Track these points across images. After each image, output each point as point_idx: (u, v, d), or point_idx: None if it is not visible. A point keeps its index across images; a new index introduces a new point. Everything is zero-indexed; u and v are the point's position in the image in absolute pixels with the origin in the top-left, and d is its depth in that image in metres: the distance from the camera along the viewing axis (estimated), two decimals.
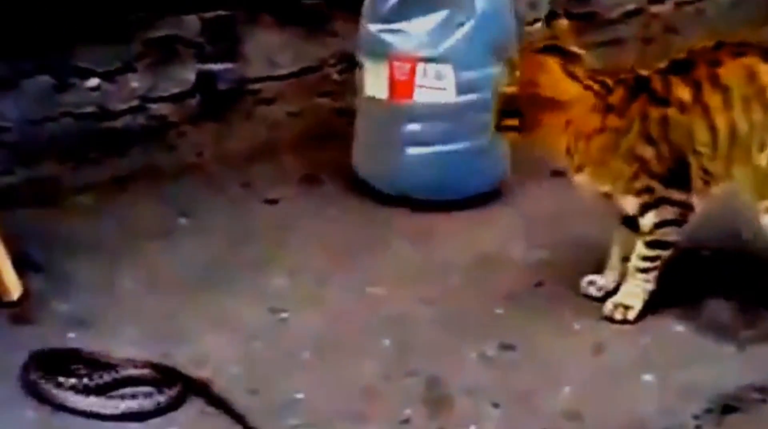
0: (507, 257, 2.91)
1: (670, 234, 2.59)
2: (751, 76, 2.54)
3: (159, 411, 2.36)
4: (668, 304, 2.66)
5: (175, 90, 3.26)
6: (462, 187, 3.13)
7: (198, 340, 2.59)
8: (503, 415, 2.37)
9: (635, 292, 2.62)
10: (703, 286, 2.72)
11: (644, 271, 2.61)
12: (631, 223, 2.65)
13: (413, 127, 3.09)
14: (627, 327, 2.62)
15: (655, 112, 2.56)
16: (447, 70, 3.04)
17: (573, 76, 2.58)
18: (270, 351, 2.56)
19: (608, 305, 2.63)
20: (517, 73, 2.56)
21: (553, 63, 2.57)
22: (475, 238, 3.01)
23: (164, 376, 2.44)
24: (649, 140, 2.56)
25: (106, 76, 3.16)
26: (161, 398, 2.37)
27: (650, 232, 2.59)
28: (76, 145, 3.16)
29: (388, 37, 3.07)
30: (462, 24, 3.05)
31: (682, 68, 2.58)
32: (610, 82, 2.60)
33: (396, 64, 3.05)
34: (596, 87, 2.59)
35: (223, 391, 2.40)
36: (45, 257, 2.84)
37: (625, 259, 2.67)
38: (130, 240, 2.95)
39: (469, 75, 3.05)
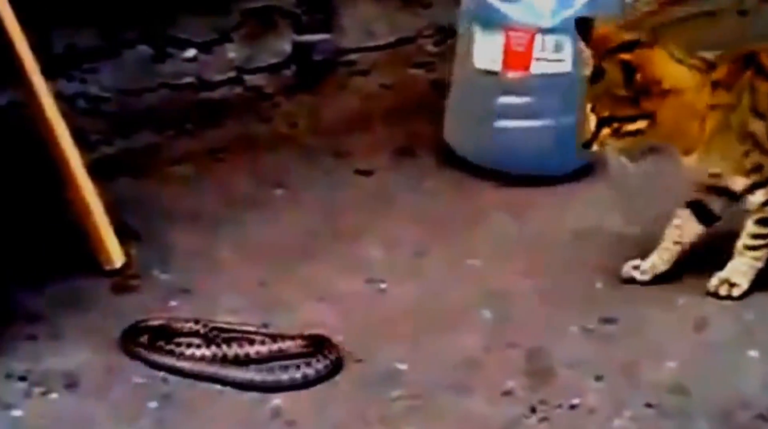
0: (604, 232, 2.89)
1: None
2: None
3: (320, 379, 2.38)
4: None
5: (271, 61, 3.27)
6: (561, 162, 3.10)
7: (297, 310, 2.60)
8: (606, 387, 2.36)
9: (743, 270, 2.58)
10: None
11: (753, 248, 2.57)
12: (697, 208, 2.62)
13: (524, 99, 3.05)
14: (730, 303, 2.59)
15: (763, 86, 2.51)
16: (566, 41, 2.99)
17: (678, 59, 2.51)
18: (369, 321, 2.57)
19: (714, 280, 2.60)
20: (644, 72, 2.44)
21: (662, 53, 2.49)
22: (570, 212, 2.99)
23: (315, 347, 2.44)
24: (759, 115, 2.51)
25: (204, 47, 3.18)
26: (320, 366, 2.38)
27: (759, 210, 2.55)
28: (173, 116, 3.19)
29: (504, 7, 3.01)
30: None
31: None
32: (712, 58, 2.55)
33: (513, 34, 3.00)
34: (699, 64, 2.54)
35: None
36: (144, 227, 2.87)
37: (677, 243, 2.63)
38: (227, 210, 2.97)
39: None
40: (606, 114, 2.47)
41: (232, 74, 3.23)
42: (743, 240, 2.58)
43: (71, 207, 2.72)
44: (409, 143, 3.29)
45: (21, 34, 2.62)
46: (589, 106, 2.49)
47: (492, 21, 3.02)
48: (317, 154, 3.24)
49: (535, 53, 3.01)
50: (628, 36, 2.52)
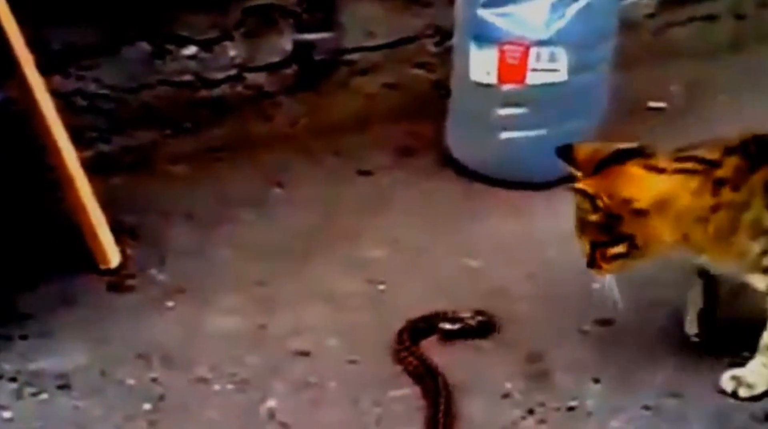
0: None
1: None
2: None
3: None
4: None
5: (272, 59, 3.25)
6: (557, 168, 3.07)
7: (295, 310, 2.58)
8: (604, 390, 2.34)
9: (762, 371, 2.32)
10: None
11: None
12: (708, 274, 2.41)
13: (520, 110, 3.04)
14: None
15: None
16: (560, 51, 2.99)
17: (658, 170, 2.26)
18: (368, 322, 2.55)
19: (727, 377, 2.34)
20: (603, 199, 2.23)
21: (633, 169, 2.25)
22: (569, 214, 2.95)
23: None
24: None
25: (204, 45, 3.16)
26: None
27: None
28: (172, 114, 3.17)
29: (497, 21, 3.00)
30: (573, 2, 2.99)
31: None
32: (713, 155, 2.28)
33: (507, 48, 2.99)
34: (691, 166, 2.27)
35: (321, 362, 2.40)
36: (141, 226, 2.85)
37: (703, 311, 2.45)
38: (226, 209, 2.95)
39: (581, 55, 3.01)
40: (590, 239, 2.29)
41: (232, 72, 3.21)
42: (765, 338, 2.31)
43: (67, 205, 2.71)
44: (409, 143, 3.27)
45: (17, 31, 2.60)
46: (577, 231, 2.33)
47: (485, 35, 3.01)
48: (317, 153, 3.23)
49: (530, 65, 3.00)
50: (621, 145, 2.31)
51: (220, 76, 3.20)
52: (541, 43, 2.99)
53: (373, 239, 2.84)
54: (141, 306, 2.59)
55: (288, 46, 3.26)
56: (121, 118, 3.11)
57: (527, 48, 2.99)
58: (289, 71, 3.28)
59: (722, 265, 2.31)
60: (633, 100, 3.44)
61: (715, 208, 2.25)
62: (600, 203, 2.23)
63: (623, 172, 2.25)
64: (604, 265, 2.29)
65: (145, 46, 3.09)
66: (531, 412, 2.29)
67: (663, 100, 3.54)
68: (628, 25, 3.49)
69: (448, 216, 2.96)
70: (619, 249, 2.26)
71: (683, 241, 2.27)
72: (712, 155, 2.27)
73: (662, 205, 2.23)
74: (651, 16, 3.76)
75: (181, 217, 2.91)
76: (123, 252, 2.73)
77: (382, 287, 2.67)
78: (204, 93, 3.19)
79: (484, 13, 3.01)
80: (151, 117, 3.14)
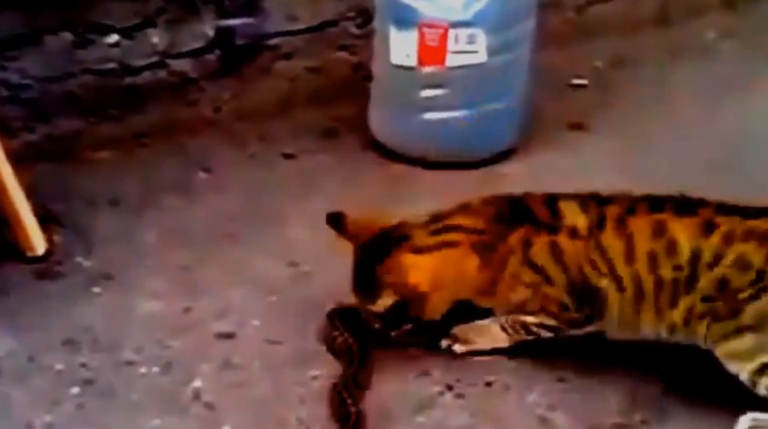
0: None
1: None
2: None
3: None
4: None
5: (195, 45, 3.27)
6: (480, 148, 3.16)
7: (219, 294, 2.62)
8: (520, 366, 2.42)
9: None
10: None
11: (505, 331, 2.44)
12: None
13: (441, 92, 3.09)
14: None
15: (539, 240, 2.37)
16: (479, 32, 3.03)
17: (424, 250, 2.38)
18: (291, 304, 2.60)
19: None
20: (384, 293, 2.36)
21: (404, 257, 2.36)
22: (490, 192, 3.01)
23: None
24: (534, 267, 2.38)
25: (126, 32, 3.17)
26: None
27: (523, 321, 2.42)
28: (96, 102, 3.18)
29: (417, 4, 3.05)
30: None
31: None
32: (475, 222, 2.41)
33: (426, 30, 3.04)
34: (453, 237, 2.40)
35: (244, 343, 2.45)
36: (67, 213, 2.88)
37: None
38: (151, 195, 2.98)
39: (499, 36, 3.07)
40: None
41: (155, 59, 3.23)
42: (501, 320, 2.43)
43: None
44: (333, 126, 3.31)
45: None
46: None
47: (405, 18, 3.06)
48: (242, 138, 3.26)
49: (450, 47, 3.05)
50: (385, 222, 2.43)
51: (143, 63, 3.21)
52: (459, 24, 3.04)
53: (297, 222, 2.88)
54: (68, 292, 2.62)
55: (210, 31, 3.28)
56: (45, 107, 3.12)
57: (446, 30, 3.04)
58: (212, 57, 3.30)
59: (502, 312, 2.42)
60: (556, 78, 3.50)
61: (480, 269, 2.37)
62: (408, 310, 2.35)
63: (398, 262, 2.35)
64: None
65: (67, 35, 3.10)
66: (449, 387, 2.35)
67: (586, 77, 3.60)
68: (551, 4, 3.56)
69: (372, 198, 3.00)
70: (408, 328, 2.40)
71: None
72: (469, 221, 2.40)
73: (442, 282, 2.36)
74: None
75: (106, 203, 2.94)
76: (49, 240, 2.75)
77: (305, 268, 2.71)
78: (127, 80, 3.20)
79: None
80: (75, 105, 3.16)
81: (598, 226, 2.33)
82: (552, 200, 2.40)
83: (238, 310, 2.57)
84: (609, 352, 2.42)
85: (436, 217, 2.44)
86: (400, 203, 2.96)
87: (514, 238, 2.37)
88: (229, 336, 2.50)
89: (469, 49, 3.06)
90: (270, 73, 3.38)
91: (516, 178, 3.07)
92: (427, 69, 3.08)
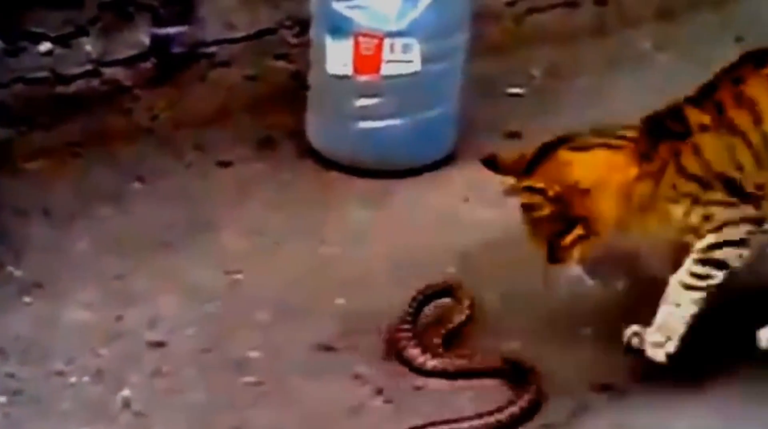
0: (459, 218, 2.94)
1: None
2: None
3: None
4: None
5: (129, 53, 3.25)
6: (416, 156, 3.16)
7: (152, 302, 2.60)
8: None
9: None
10: None
11: (691, 288, 2.37)
12: None
13: (376, 101, 3.09)
14: None
15: (685, 149, 2.38)
16: (413, 42, 3.04)
17: (586, 148, 2.40)
18: (225, 312, 2.58)
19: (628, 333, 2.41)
20: (554, 188, 2.34)
21: (564, 155, 2.38)
22: (427, 200, 3.03)
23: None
24: (688, 176, 2.38)
25: (59, 41, 3.14)
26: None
27: (703, 251, 2.37)
28: (28, 111, 3.15)
29: (352, 14, 3.05)
30: None
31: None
32: (631, 133, 2.42)
33: (361, 40, 3.04)
34: (617, 142, 2.41)
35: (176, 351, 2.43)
36: None
37: None
38: (84, 204, 2.95)
39: (434, 45, 3.06)
40: (546, 235, 2.38)
41: (89, 67, 3.20)
42: (682, 277, 2.38)
43: None
44: (269, 134, 3.29)
45: None
46: (529, 235, 2.42)
47: (340, 27, 3.06)
48: (177, 146, 3.23)
49: (385, 56, 3.05)
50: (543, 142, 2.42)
51: (76, 71, 3.18)
52: (394, 34, 3.04)
53: (232, 231, 2.87)
54: None
55: (145, 39, 3.26)
56: None
57: (381, 40, 3.04)
58: (147, 65, 3.28)
59: (653, 234, 2.41)
60: (493, 87, 3.50)
61: (638, 180, 2.36)
62: (551, 193, 2.33)
63: (557, 160, 2.36)
64: (565, 256, 2.37)
65: None
66: (379, 392, 2.35)
67: (522, 85, 3.61)
68: (488, 13, 3.57)
69: (308, 206, 2.99)
70: (578, 231, 2.35)
71: (621, 216, 2.38)
72: (631, 133, 2.41)
73: (601, 181, 2.35)
74: (512, 3, 3.82)
75: (38, 213, 2.90)
76: None
77: (239, 276, 2.70)
78: (60, 89, 3.17)
79: (339, 6, 3.06)
80: (7, 114, 3.12)
81: (719, 112, 2.37)
82: (677, 111, 2.42)
83: (170, 319, 2.55)
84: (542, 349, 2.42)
85: (596, 130, 2.45)
86: (335, 210, 2.97)
87: (664, 150, 2.37)
88: (160, 344, 2.48)
89: (404, 59, 3.07)
90: (206, 82, 3.36)
91: (452, 185, 3.08)
92: (363, 78, 3.08)
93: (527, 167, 2.39)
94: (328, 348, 2.47)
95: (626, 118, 3.32)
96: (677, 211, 2.36)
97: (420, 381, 2.37)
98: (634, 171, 2.37)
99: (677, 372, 2.36)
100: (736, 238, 2.35)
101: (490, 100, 3.44)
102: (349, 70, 3.08)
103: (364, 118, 3.12)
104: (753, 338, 2.43)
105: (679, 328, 2.34)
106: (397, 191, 3.06)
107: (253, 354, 2.44)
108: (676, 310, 2.35)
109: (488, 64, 3.40)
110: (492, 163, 2.44)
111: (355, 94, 3.10)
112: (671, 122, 2.40)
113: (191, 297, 2.62)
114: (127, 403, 2.32)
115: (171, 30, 3.29)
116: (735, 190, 2.35)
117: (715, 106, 2.39)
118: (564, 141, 2.40)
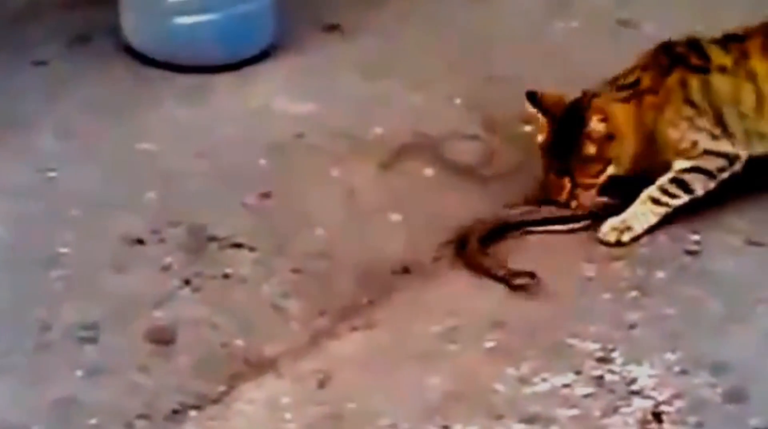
0: (273, 111, 2.99)
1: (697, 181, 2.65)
2: None
3: None
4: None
5: None
6: (233, 51, 3.18)
7: None
8: (259, 257, 2.50)
9: (640, 218, 2.65)
10: None
11: (657, 202, 2.64)
12: None
13: None
14: (380, 172, 2.74)
15: (693, 80, 2.66)
16: None
17: (621, 101, 2.66)
18: (36, 209, 2.61)
19: (607, 229, 2.64)
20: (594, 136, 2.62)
21: (605, 100, 2.65)
22: (243, 94, 3.07)
23: None
24: (691, 103, 2.65)
25: None
26: None
27: (679, 172, 2.65)
28: None
29: None
30: None
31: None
32: (633, 77, 2.69)
33: None
34: (626, 94, 2.67)
35: None
36: None
37: None
38: None
39: None
40: (585, 180, 2.64)
41: None
42: (652, 191, 2.65)
43: None
44: (85, 31, 3.26)
45: None
46: (553, 174, 2.66)
47: None
48: None
49: None
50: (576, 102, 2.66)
51: None
52: None
53: (46, 129, 2.87)
54: None
55: None
56: None
57: None
58: None
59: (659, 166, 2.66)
60: None
61: (645, 111, 2.65)
62: (603, 128, 2.61)
63: (602, 104, 2.64)
64: (583, 194, 2.64)
65: None
66: (187, 282, 2.42)
67: None
68: None
69: (124, 103, 3.00)
70: (610, 171, 2.64)
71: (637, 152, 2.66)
72: (633, 77, 2.68)
73: (622, 128, 2.64)
74: None
75: None
76: None
77: (52, 174, 2.72)
78: None
79: None
80: None
81: (743, 57, 2.64)
82: (697, 44, 2.69)
83: None
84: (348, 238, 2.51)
85: (613, 80, 2.70)
86: (153, 107, 2.99)
87: (672, 80, 2.65)
88: None
89: None
90: None
91: (270, 79, 3.12)
92: None
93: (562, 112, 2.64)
94: (138, 241, 2.53)
95: (443, 10, 3.44)
96: (675, 134, 2.63)
97: (229, 269, 2.45)
98: (647, 113, 2.64)
99: None
100: (709, 168, 2.63)
101: None
102: None
103: (179, 14, 3.13)
104: None
105: (637, 229, 2.62)
106: (216, 87, 3.08)
107: (63, 250, 2.49)
108: (641, 216, 2.63)
109: None
110: (534, 98, 2.68)
111: None
112: (693, 56, 2.66)
113: (3, 196, 2.64)
114: None
115: None
116: (722, 124, 2.62)
117: (741, 52, 2.65)
118: (596, 95, 2.66)
